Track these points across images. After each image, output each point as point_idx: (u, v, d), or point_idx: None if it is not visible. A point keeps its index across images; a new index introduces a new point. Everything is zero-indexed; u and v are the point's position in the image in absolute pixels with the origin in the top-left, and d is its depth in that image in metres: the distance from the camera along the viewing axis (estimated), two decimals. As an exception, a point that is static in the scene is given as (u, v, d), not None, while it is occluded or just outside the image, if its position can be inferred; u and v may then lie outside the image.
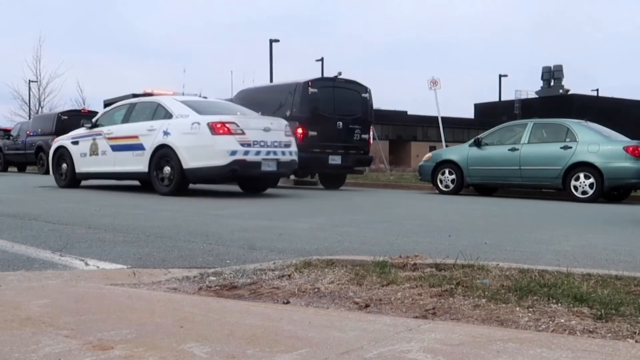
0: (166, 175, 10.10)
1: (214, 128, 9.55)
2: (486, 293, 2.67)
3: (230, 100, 15.46)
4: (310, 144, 13.24)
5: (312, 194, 12.45)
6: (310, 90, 13.33)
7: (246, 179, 10.83)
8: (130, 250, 4.25)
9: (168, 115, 10.28)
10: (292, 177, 16.30)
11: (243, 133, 9.64)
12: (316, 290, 2.86)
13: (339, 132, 13.63)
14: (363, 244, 4.69)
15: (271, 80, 31.10)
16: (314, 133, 13.25)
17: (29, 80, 42.25)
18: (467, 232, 5.69)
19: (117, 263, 3.77)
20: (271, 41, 34.87)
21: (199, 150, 9.66)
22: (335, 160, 13.61)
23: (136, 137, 10.57)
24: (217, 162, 9.58)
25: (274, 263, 3.49)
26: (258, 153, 9.78)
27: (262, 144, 9.86)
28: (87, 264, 3.74)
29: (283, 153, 10.24)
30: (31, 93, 42.75)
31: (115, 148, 10.96)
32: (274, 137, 10.08)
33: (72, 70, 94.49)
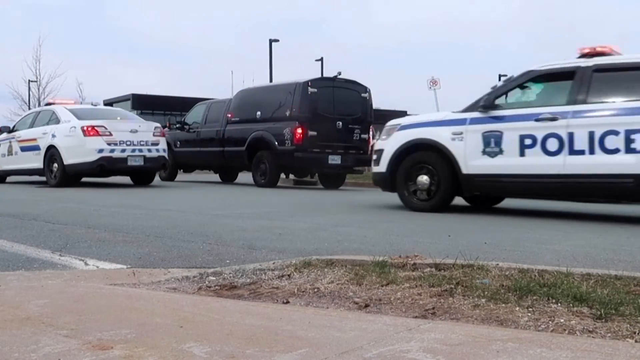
0: (54, 171, 12.39)
1: (85, 131, 11.95)
2: (486, 293, 2.67)
3: (230, 100, 15.49)
4: (309, 144, 13.25)
5: (311, 193, 12.45)
6: (310, 90, 13.33)
7: (117, 173, 12.87)
8: (129, 250, 4.25)
9: (57, 121, 12.58)
10: (292, 177, 16.33)
11: (110, 134, 11.98)
12: (316, 290, 2.86)
13: (338, 132, 13.63)
14: (363, 244, 4.69)
15: (271, 80, 31.10)
16: (314, 133, 13.26)
17: (29, 80, 42.28)
18: (466, 232, 5.69)
19: (116, 263, 3.77)
20: (271, 41, 34.86)
21: (75, 149, 12.01)
22: (334, 160, 13.62)
23: (35, 139, 12.97)
24: (88, 159, 11.93)
25: (273, 263, 3.49)
26: (124, 151, 12.11)
27: (128, 143, 12.18)
28: (86, 264, 3.74)
29: (149, 150, 12.50)
30: (31, 93, 42.79)
31: (23, 149, 13.44)
32: (140, 138, 12.30)
33: (72, 70, 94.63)
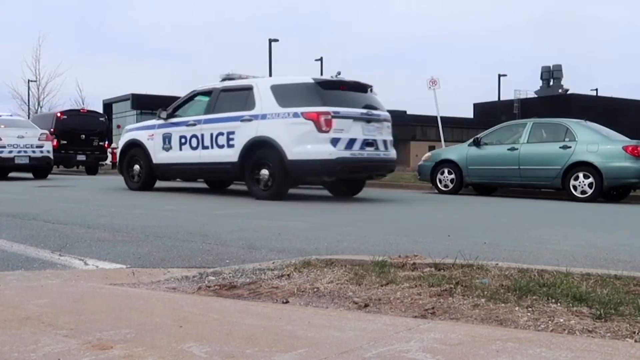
0: None
1: None
2: (485, 293, 2.67)
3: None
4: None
5: (311, 193, 12.45)
6: (310, 90, 13.30)
7: (8, 170, 16.08)
8: (129, 249, 4.25)
9: None
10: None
11: (0, 139, 15.34)
12: (315, 289, 2.86)
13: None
14: (362, 244, 4.69)
15: (270, 80, 31.05)
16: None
17: (28, 80, 42.28)
18: (466, 232, 5.69)
19: (116, 263, 3.77)
20: (270, 41, 34.88)
21: None
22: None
23: None
24: None
25: (273, 263, 3.49)
26: (11, 152, 15.42)
27: (15, 146, 15.47)
28: (86, 264, 3.74)
29: (34, 152, 15.75)
30: (30, 93, 42.79)
31: None
32: (27, 142, 15.68)
33: (72, 70, 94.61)
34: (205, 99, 10.46)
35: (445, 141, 18.86)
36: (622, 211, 9.34)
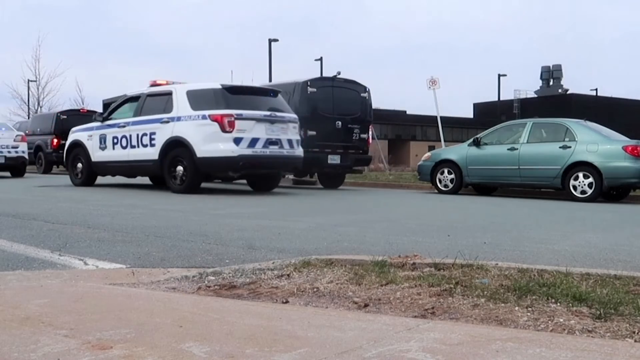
0: None
1: None
2: (485, 292, 2.67)
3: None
4: (309, 144, 13.22)
5: (311, 193, 12.45)
6: (309, 89, 13.31)
7: None
8: (129, 249, 4.25)
9: None
10: (291, 176, 16.31)
11: None
12: (315, 289, 2.86)
13: (338, 132, 13.61)
14: (362, 244, 4.69)
15: (270, 80, 31.09)
16: (313, 133, 13.24)
17: (28, 80, 42.21)
18: (466, 232, 5.69)
19: (116, 263, 3.77)
20: (270, 41, 34.86)
21: None
22: (334, 159, 13.60)
23: None
24: None
25: (273, 263, 3.49)
26: None
27: None
28: (86, 264, 3.74)
29: (9, 152, 16.92)
30: (30, 92, 42.72)
31: None
32: (2, 142, 16.81)
33: (71, 69, 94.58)
34: (135, 103, 11.65)
35: (445, 141, 18.86)
36: (622, 211, 9.34)
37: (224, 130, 10.00)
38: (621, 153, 11.01)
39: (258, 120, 10.31)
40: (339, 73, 14.21)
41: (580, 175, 11.23)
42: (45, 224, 5.60)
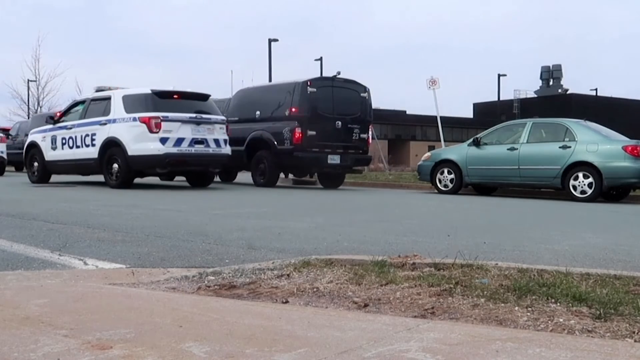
0: None
1: None
2: (485, 292, 2.67)
3: (229, 99, 15.48)
4: (309, 144, 13.23)
5: (311, 193, 12.45)
6: (309, 89, 13.31)
7: None
8: (129, 249, 4.25)
9: None
10: (291, 176, 16.31)
11: None
12: (315, 289, 2.86)
13: (337, 132, 13.61)
14: (362, 244, 4.69)
15: (270, 80, 31.09)
16: (313, 133, 13.25)
17: (28, 80, 42.19)
18: (466, 232, 5.69)
19: (116, 262, 3.77)
20: (270, 41, 34.85)
21: None
22: (334, 159, 13.60)
23: None
24: None
25: (272, 262, 3.49)
26: None
27: None
28: (85, 264, 3.74)
29: None
30: (30, 92, 42.70)
31: None
32: None
33: (71, 69, 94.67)
34: (81, 107, 12.86)
35: (445, 141, 18.86)
36: (621, 211, 9.34)
37: (151, 130, 11.21)
38: (621, 153, 11.01)
39: (184, 121, 11.50)
40: (338, 73, 14.21)
41: (580, 175, 11.23)
42: (45, 224, 5.60)
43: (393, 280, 2.94)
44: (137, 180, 12.72)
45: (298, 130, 13.12)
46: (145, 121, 11.25)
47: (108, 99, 12.13)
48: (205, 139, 11.79)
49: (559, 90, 70.38)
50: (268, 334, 2.03)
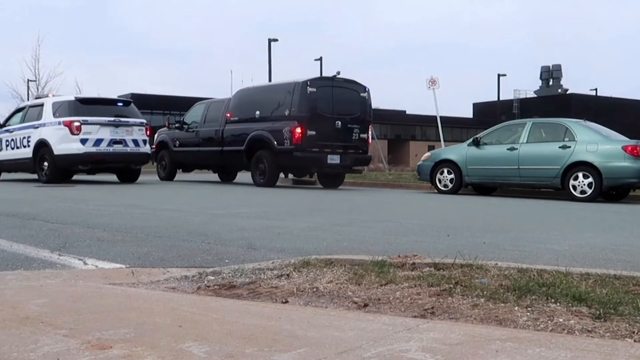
0: None
1: None
2: (485, 292, 2.67)
3: (229, 99, 15.48)
4: (308, 144, 13.23)
5: (310, 193, 12.45)
6: (309, 89, 13.30)
7: None
8: (128, 249, 4.25)
9: None
10: (291, 176, 16.31)
11: None
12: (315, 289, 2.86)
13: (337, 132, 13.61)
14: (362, 244, 4.69)
15: (270, 80, 31.09)
16: (313, 132, 13.24)
17: (28, 80, 42.15)
18: (465, 232, 5.69)
19: (115, 262, 3.77)
20: (270, 41, 34.85)
21: None
22: (334, 159, 13.60)
23: None
24: None
25: (272, 262, 3.49)
26: None
27: None
28: (85, 264, 3.74)
29: None
30: (30, 92, 42.66)
31: None
32: None
33: (71, 69, 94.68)
34: (22, 112, 14.73)
35: (444, 141, 18.88)
36: (621, 211, 9.34)
37: (72, 133, 13.01)
38: (621, 153, 11.01)
39: (102, 124, 13.33)
40: (338, 73, 14.20)
41: (580, 175, 11.23)
42: (45, 224, 5.59)
43: (393, 280, 2.94)
44: (139, 179, 12.75)
45: (298, 130, 13.12)
46: (68, 125, 13.06)
47: (41, 105, 13.95)
48: (124, 140, 13.59)
49: (559, 90, 70.42)
50: (268, 334, 2.03)
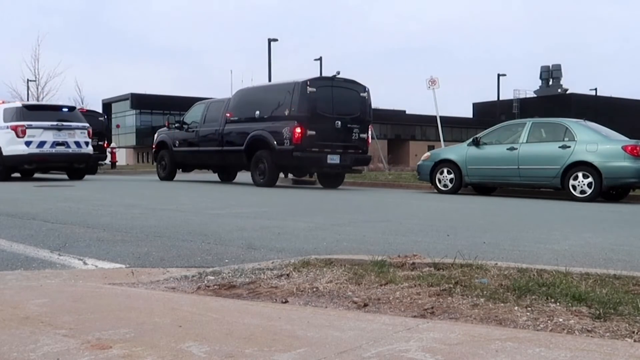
0: None
1: None
2: (485, 292, 2.67)
3: (229, 99, 15.48)
4: (308, 144, 13.23)
5: (310, 193, 12.46)
6: (309, 89, 13.30)
7: None
8: (128, 249, 4.25)
9: None
10: (291, 176, 16.31)
11: None
12: (315, 289, 2.86)
13: (337, 132, 13.60)
14: (361, 244, 4.69)
15: (270, 80, 31.09)
16: (313, 132, 13.24)
17: (27, 80, 42.12)
18: (465, 232, 5.69)
19: (115, 262, 3.77)
20: (270, 40, 34.85)
21: None
22: (333, 159, 13.59)
23: None
24: None
25: (272, 262, 3.49)
26: None
27: None
28: (85, 263, 3.74)
29: None
30: (30, 92, 42.65)
31: None
32: None
33: (71, 69, 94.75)
34: None
35: (444, 141, 18.88)
36: (621, 211, 9.34)
37: (18, 136, 14.51)
38: (621, 153, 11.01)
39: (46, 128, 14.75)
40: (338, 73, 14.20)
41: (580, 175, 11.23)
42: (45, 224, 5.59)
43: (393, 280, 2.94)
44: (136, 179, 12.71)
45: (298, 130, 13.11)
46: (14, 128, 14.61)
47: None
48: (67, 142, 15.07)
49: (559, 90, 70.44)
50: (267, 334, 2.03)
